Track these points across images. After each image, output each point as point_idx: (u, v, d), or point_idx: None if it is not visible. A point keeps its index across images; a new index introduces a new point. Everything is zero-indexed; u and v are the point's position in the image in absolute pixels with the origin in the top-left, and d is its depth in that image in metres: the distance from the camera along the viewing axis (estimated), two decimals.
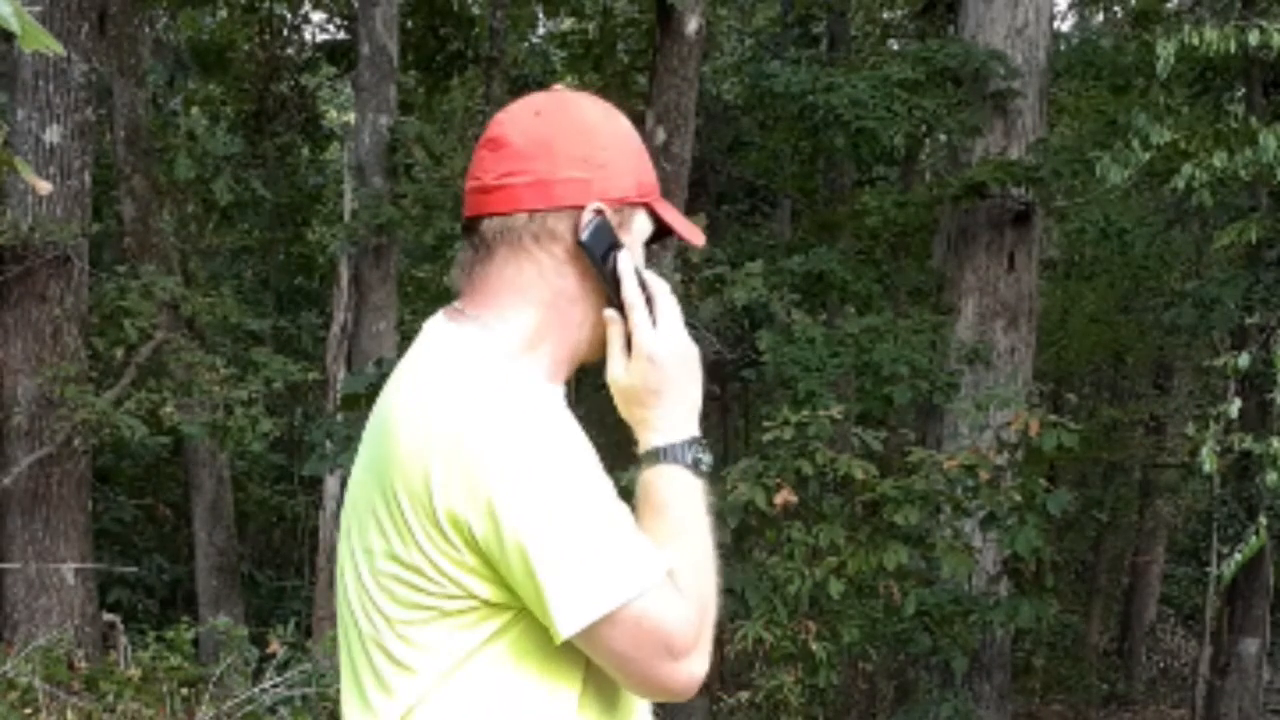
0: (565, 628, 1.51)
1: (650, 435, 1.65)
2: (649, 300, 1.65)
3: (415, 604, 1.56)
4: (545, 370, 1.65)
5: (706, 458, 1.65)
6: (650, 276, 1.66)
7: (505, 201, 1.64)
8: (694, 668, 1.55)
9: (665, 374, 1.64)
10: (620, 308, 1.64)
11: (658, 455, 1.63)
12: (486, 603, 1.55)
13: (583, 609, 1.50)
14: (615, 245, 1.64)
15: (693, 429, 1.65)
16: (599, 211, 1.63)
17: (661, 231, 1.72)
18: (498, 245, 1.65)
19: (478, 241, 1.66)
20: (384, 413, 1.63)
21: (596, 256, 1.63)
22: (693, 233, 1.73)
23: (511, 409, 1.54)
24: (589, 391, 7.14)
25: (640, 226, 1.69)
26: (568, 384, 1.71)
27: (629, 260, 1.64)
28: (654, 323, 1.64)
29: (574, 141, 1.65)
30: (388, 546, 1.57)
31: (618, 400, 1.68)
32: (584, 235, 1.62)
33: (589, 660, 1.58)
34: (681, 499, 1.61)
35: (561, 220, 1.63)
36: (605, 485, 1.56)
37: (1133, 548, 15.38)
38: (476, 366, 1.59)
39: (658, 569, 1.53)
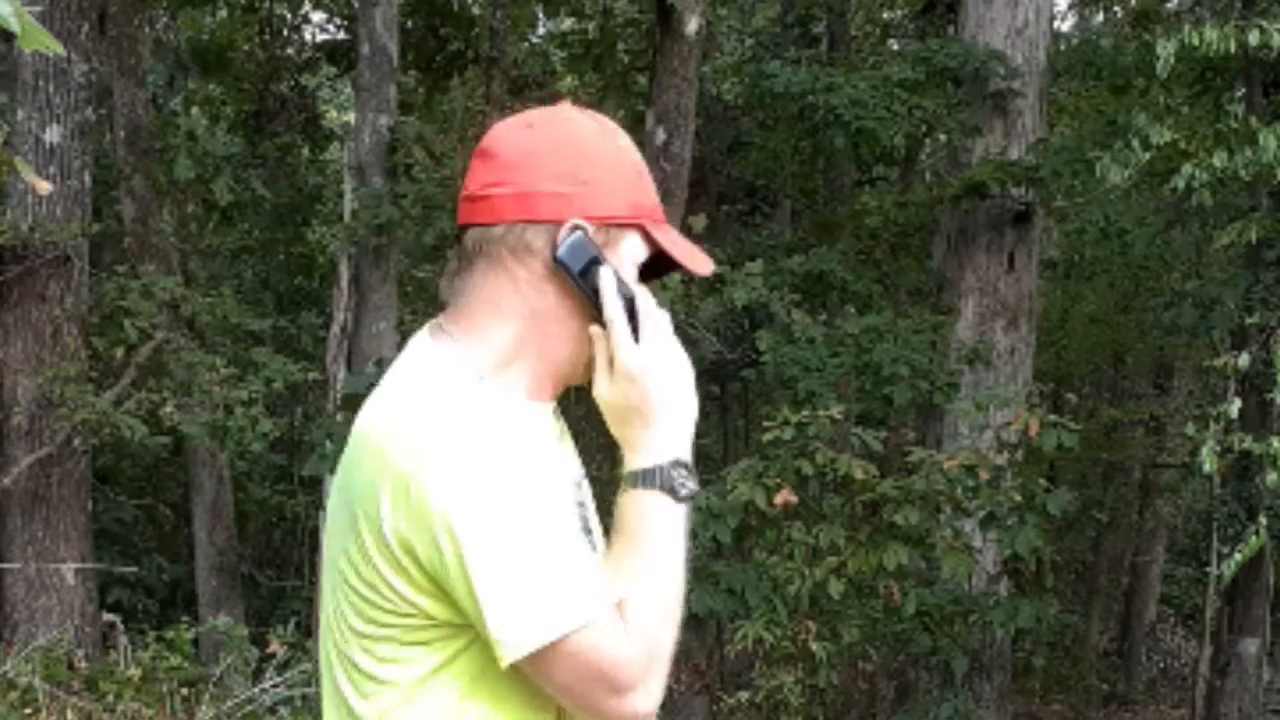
0: (505, 657, 1.50)
1: (632, 456, 1.60)
2: (634, 316, 1.59)
3: (376, 621, 1.56)
4: (523, 388, 1.62)
5: (689, 484, 1.59)
6: (640, 291, 1.61)
7: (487, 213, 1.60)
8: (639, 704, 1.52)
9: (647, 393, 1.59)
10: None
11: (636, 479, 1.59)
12: (443, 623, 1.53)
13: (521, 640, 1.48)
14: (596, 261, 1.58)
15: (676, 451, 1.59)
16: (577, 228, 1.58)
17: (665, 262, 1.66)
18: (477, 258, 1.62)
19: (461, 252, 1.64)
20: (355, 432, 1.62)
21: (574, 272, 1.58)
22: (696, 261, 1.65)
23: (462, 431, 1.51)
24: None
25: (631, 249, 1.62)
26: (569, 388, 1.69)
27: (611, 275, 1.59)
28: (637, 339, 1.59)
29: (560, 156, 1.60)
30: (353, 565, 1.56)
31: (607, 419, 1.64)
32: (560, 251, 1.58)
33: None
34: (651, 527, 1.57)
35: (540, 235, 1.59)
36: (559, 511, 1.52)
37: (1133, 548, 15.38)
38: (439, 389, 1.56)
39: (601, 603, 1.50)
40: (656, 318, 1.61)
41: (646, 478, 1.58)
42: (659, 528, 1.56)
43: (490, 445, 1.50)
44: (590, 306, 1.59)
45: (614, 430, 1.63)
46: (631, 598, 1.52)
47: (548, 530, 1.50)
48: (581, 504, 1.64)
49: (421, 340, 1.65)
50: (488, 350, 1.61)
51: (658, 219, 1.64)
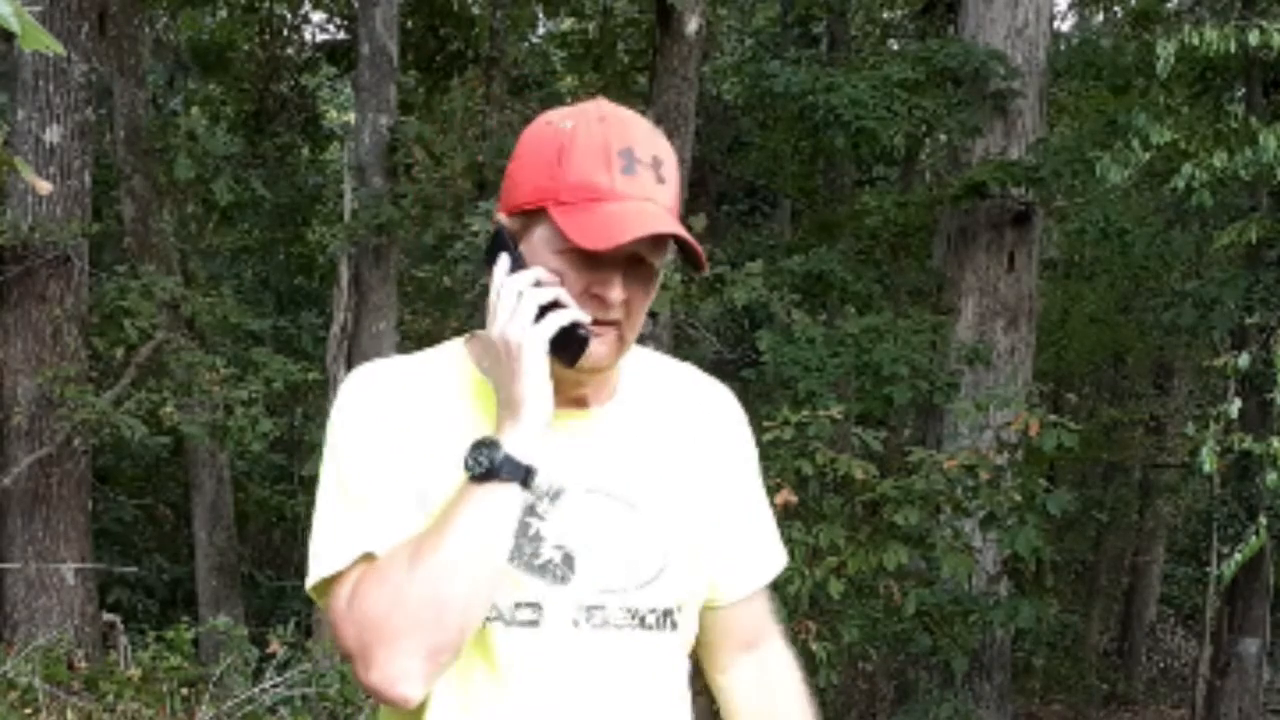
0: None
1: None
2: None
3: None
4: None
5: (482, 461, 1.51)
6: (520, 273, 1.57)
7: None
8: (361, 674, 1.49)
9: (493, 373, 1.60)
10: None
11: None
12: None
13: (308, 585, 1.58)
14: (503, 251, 1.59)
15: (489, 430, 1.55)
16: (498, 224, 1.62)
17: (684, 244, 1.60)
18: None
19: None
20: None
21: (493, 268, 1.61)
22: (590, 236, 1.53)
23: (340, 395, 1.62)
24: None
25: (542, 233, 1.58)
26: None
27: (503, 262, 1.58)
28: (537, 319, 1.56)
29: (510, 160, 1.67)
30: None
31: None
32: (485, 251, 1.64)
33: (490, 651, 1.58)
34: (447, 505, 1.53)
35: None
36: (362, 469, 1.56)
37: (1133, 548, 15.38)
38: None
39: (340, 564, 1.53)
40: (509, 294, 1.56)
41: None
42: (447, 507, 1.52)
43: (344, 406, 1.61)
44: None
45: None
46: (371, 570, 1.51)
47: (337, 486, 1.57)
48: (523, 508, 1.59)
49: None
50: (482, 345, 1.67)
51: (569, 199, 1.56)
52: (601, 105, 1.64)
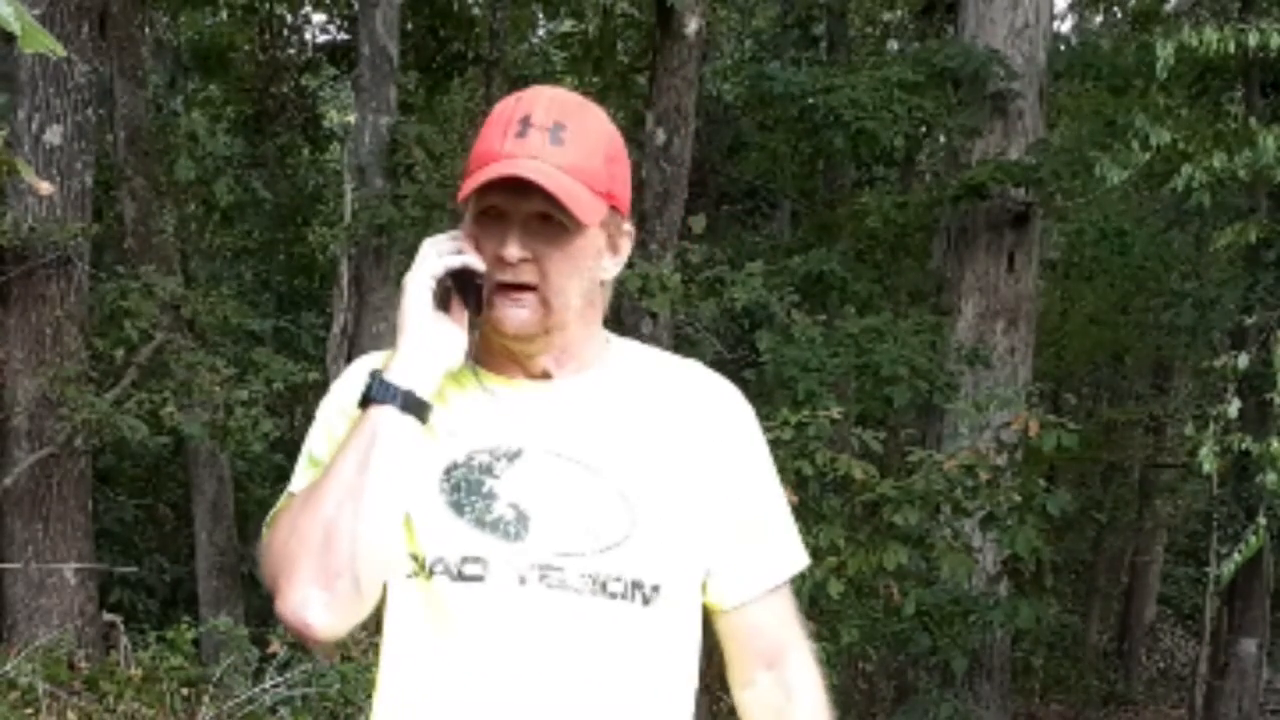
0: None
1: None
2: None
3: None
4: (489, 361, 1.72)
5: (373, 388, 1.62)
6: (437, 236, 1.70)
7: None
8: (279, 609, 1.56)
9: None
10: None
11: None
12: None
13: None
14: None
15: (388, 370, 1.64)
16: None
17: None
18: None
19: None
20: None
21: None
22: (462, 191, 1.65)
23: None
24: None
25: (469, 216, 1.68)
26: None
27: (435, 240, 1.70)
28: (466, 296, 1.69)
29: None
30: None
31: None
32: None
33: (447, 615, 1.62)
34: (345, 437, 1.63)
35: None
36: (317, 432, 1.69)
37: (1132, 548, 15.37)
38: None
39: (282, 504, 1.63)
40: (420, 262, 1.65)
41: None
42: (346, 437, 1.62)
43: (340, 383, 1.74)
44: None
45: None
46: (281, 508, 1.63)
47: (308, 446, 1.69)
48: (477, 466, 1.64)
49: None
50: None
51: (472, 167, 1.63)
52: (536, 87, 1.69)
